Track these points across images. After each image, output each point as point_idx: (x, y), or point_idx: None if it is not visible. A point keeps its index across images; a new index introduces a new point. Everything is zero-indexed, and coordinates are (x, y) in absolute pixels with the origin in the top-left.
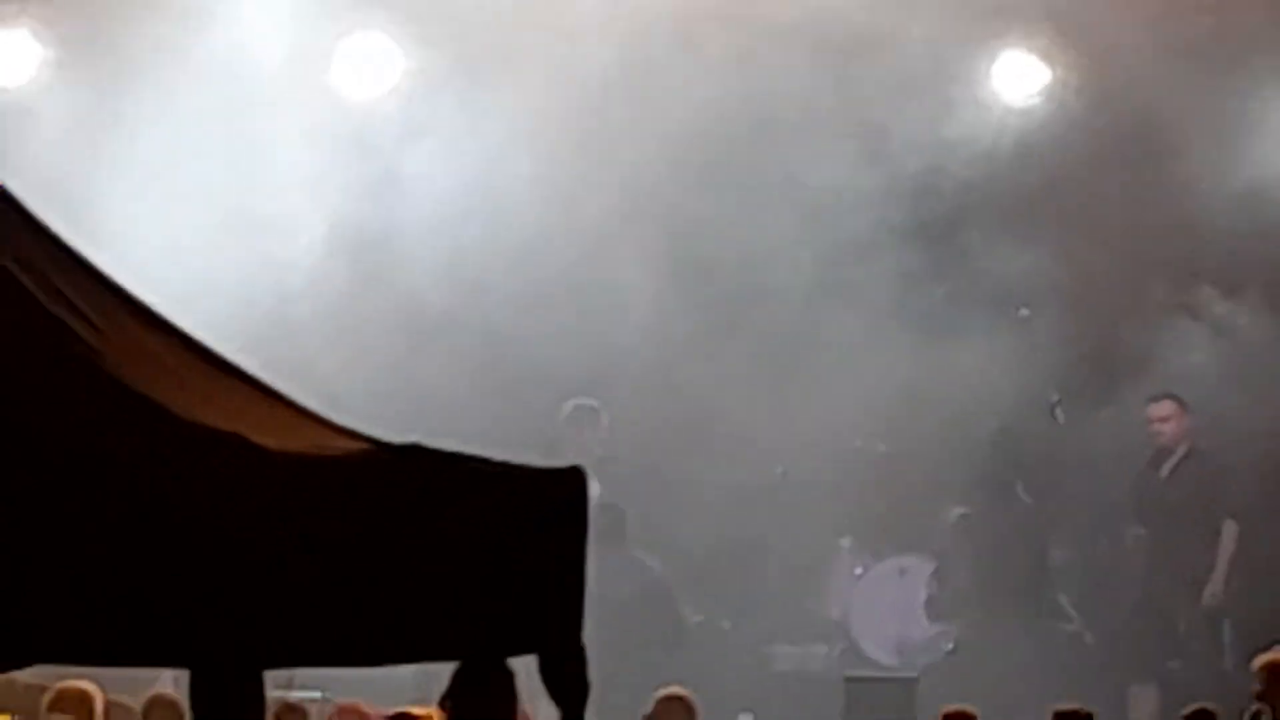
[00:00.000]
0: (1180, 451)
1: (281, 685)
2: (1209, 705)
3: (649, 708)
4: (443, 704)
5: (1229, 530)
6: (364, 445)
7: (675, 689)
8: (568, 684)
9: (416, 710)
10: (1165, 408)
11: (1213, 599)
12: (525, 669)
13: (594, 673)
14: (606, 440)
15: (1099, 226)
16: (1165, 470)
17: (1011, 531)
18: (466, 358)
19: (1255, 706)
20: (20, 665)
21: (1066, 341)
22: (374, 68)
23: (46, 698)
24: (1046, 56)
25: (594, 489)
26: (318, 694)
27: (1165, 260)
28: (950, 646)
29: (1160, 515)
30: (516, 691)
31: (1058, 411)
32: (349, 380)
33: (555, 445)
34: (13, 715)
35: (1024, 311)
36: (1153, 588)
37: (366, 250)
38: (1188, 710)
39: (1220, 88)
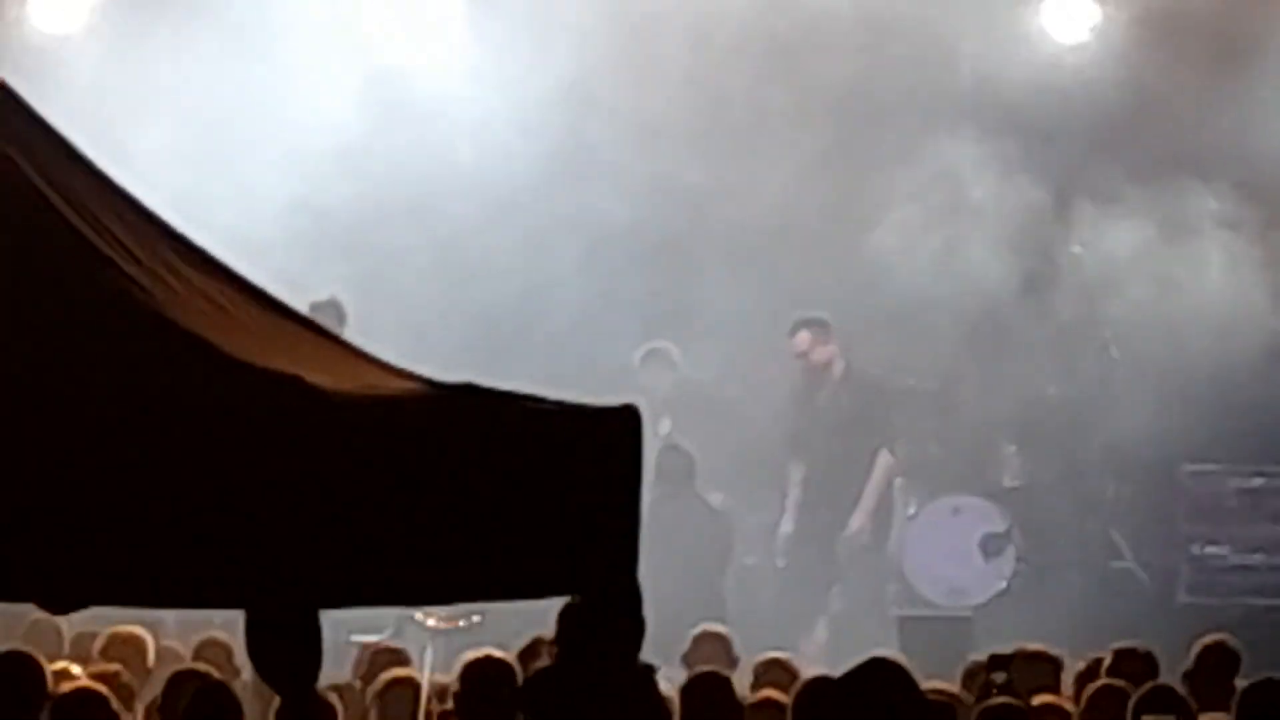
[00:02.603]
0: (836, 375)
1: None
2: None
3: (686, 645)
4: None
5: (882, 460)
6: (418, 385)
7: (713, 626)
8: (621, 623)
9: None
10: (801, 340)
11: (858, 537)
12: None
13: (649, 612)
14: (681, 381)
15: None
16: (822, 399)
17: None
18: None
19: None
20: (74, 608)
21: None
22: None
23: (98, 643)
24: None
25: (665, 427)
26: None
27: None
28: (1004, 585)
29: (821, 446)
30: (642, 630)
31: (1112, 349)
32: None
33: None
34: (68, 661)
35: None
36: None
37: (372, 176)
38: None
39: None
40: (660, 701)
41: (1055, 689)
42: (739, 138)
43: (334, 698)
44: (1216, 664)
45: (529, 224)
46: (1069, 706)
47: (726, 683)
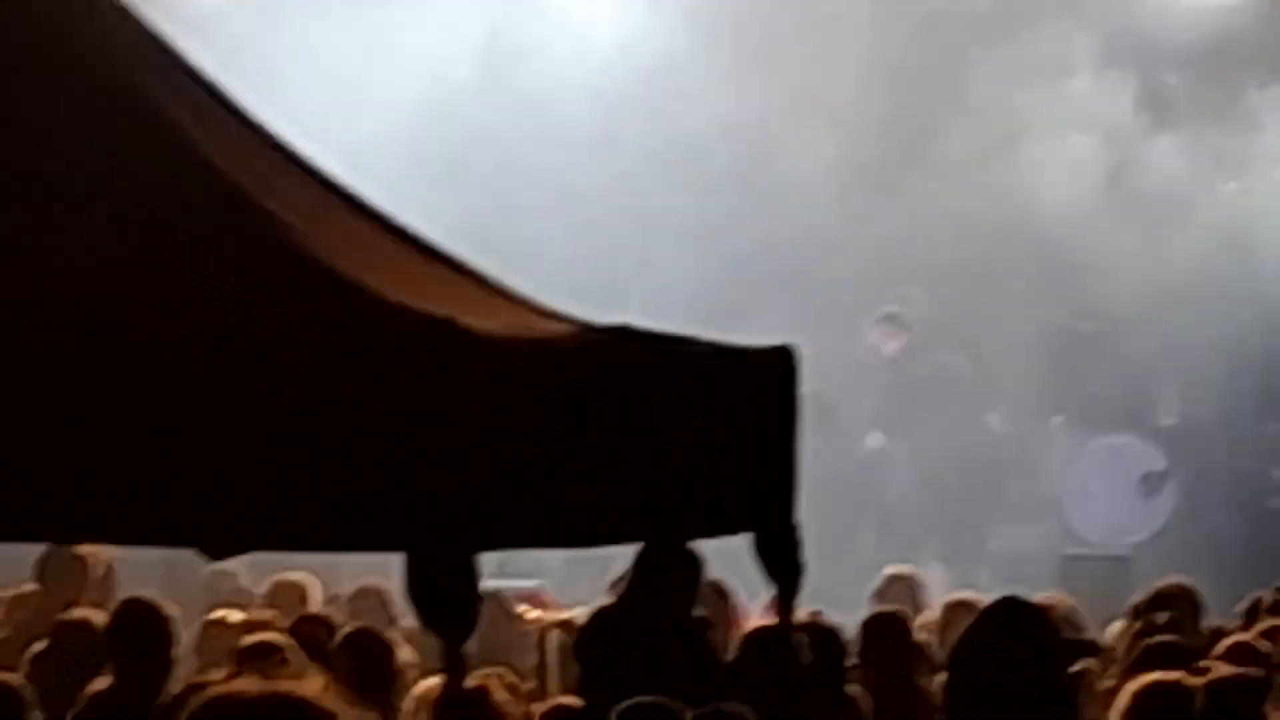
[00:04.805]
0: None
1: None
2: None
3: (878, 584)
4: (614, 586)
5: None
6: (573, 327)
7: (901, 568)
8: (782, 563)
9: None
10: (876, 335)
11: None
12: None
13: (808, 553)
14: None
15: None
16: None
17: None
18: None
19: None
20: (233, 554)
21: None
22: None
23: (262, 589)
24: None
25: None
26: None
27: None
28: (1163, 522)
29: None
30: (699, 579)
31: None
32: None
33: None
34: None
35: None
36: None
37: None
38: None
39: None
40: (711, 650)
41: (1195, 627)
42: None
43: None
44: None
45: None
46: (1262, 645)
47: (904, 623)
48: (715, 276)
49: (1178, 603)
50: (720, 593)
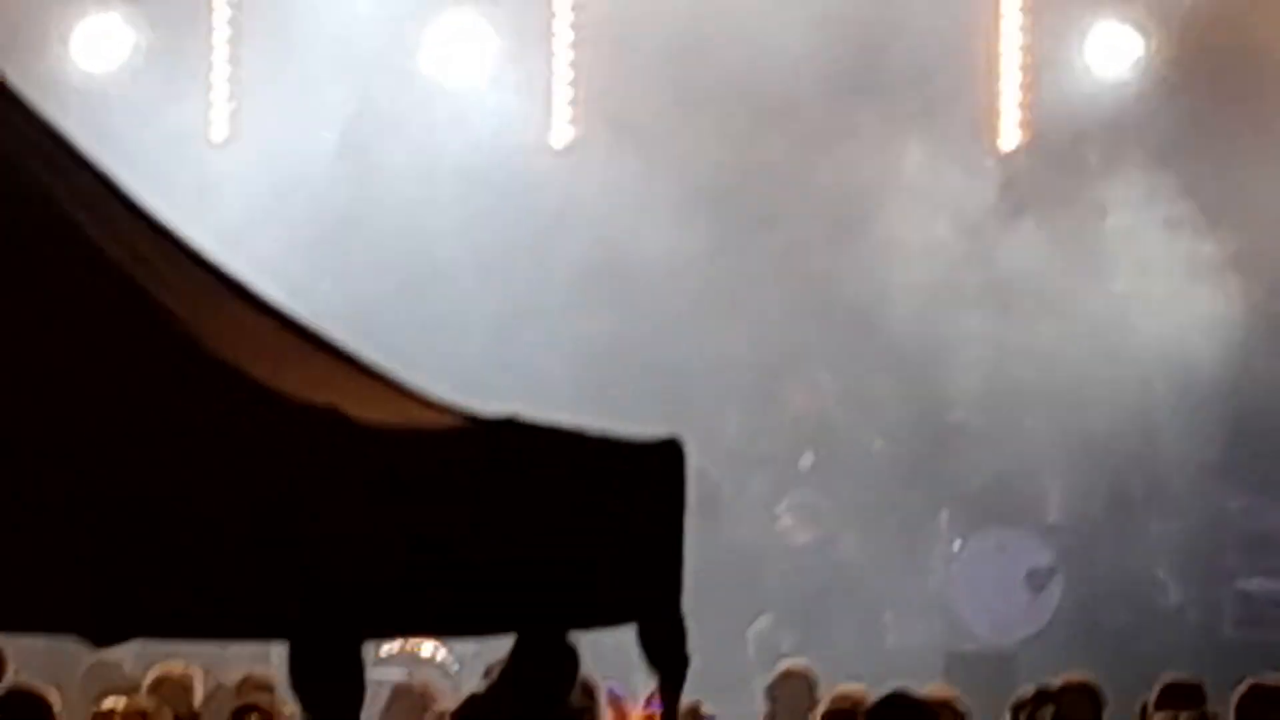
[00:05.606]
0: None
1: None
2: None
3: (770, 680)
4: (488, 675)
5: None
6: (459, 419)
7: (796, 662)
8: (667, 654)
9: None
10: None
11: None
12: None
13: (693, 645)
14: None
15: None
16: None
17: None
18: None
19: None
20: (115, 641)
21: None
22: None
23: (147, 680)
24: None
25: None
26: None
27: None
28: (1048, 620)
29: None
30: (576, 671)
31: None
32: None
33: None
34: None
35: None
36: None
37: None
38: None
39: None
40: None
41: None
42: None
43: None
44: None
45: None
46: None
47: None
48: (586, 363)
49: (1074, 698)
50: (587, 690)
